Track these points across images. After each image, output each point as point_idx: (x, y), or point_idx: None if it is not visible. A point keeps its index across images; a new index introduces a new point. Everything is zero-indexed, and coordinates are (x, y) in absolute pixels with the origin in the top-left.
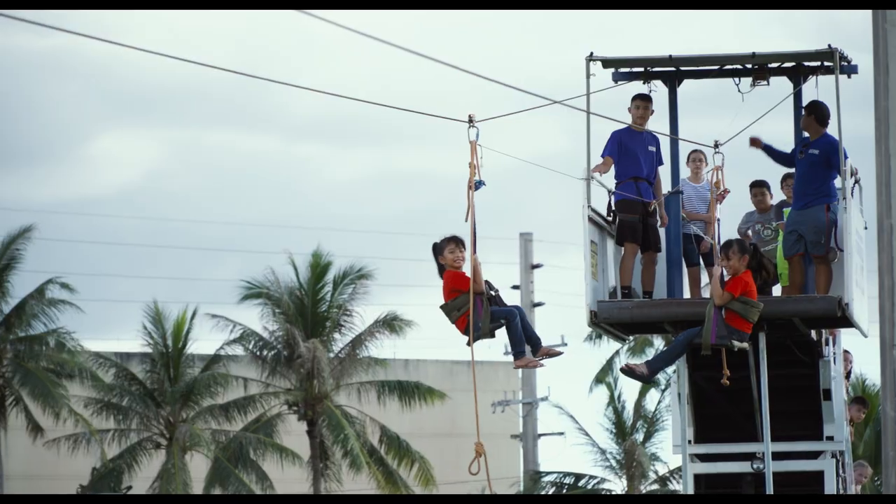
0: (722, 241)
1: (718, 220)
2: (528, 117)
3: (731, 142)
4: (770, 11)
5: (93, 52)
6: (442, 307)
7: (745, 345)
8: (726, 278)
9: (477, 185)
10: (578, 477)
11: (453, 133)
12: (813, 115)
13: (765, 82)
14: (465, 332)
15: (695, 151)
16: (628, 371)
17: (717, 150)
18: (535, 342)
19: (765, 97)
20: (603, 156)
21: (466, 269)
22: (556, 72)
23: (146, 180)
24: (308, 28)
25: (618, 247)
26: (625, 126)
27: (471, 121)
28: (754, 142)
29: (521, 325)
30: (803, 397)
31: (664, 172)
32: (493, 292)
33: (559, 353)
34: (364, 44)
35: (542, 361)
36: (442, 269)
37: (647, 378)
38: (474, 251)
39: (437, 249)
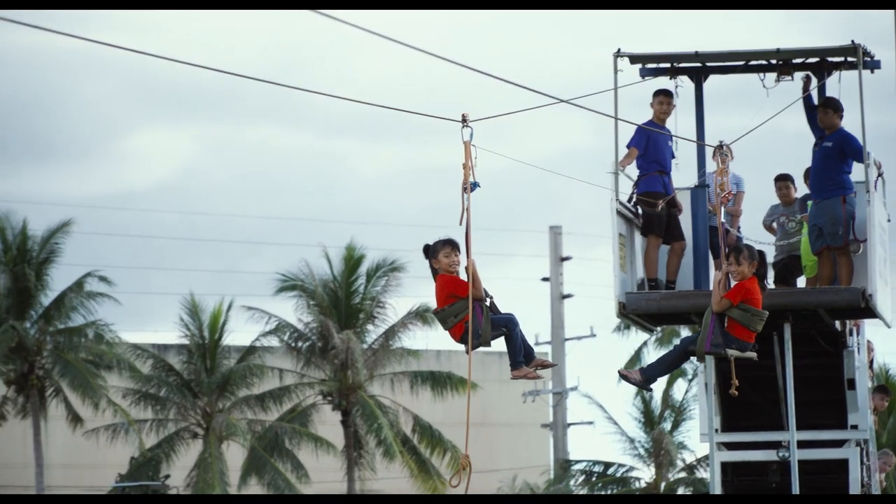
0: (718, 243)
1: (723, 223)
2: (556, 114)
3: (753, 136)
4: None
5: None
6: (436, 313)
7: (752, 354)
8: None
9: (472, 186)
10: (607, 465)
11: (483, 128)
12: (830, 110)
13: (789, 77)
14: (461, 340)
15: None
16: (623, 378)
17: (721, 151)
18: (528, 352)
19: (788, 92)
20: (629, 146)
21: (461, 274)
22: (582, 68)
23: (183, 175)
24: (336, 28)
25: (644, 238)
26: (649, 120)
27: (464, 121)
28: (808, 80)
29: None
30: (828, 387)
31: (692, 166)
32: (489, 299)
33: (553, 365)
34: (389, 44)
35: (537, 372)
36: (433, 273)
37: (642, 385)
38: (469, 255)
39: (430, 252)
